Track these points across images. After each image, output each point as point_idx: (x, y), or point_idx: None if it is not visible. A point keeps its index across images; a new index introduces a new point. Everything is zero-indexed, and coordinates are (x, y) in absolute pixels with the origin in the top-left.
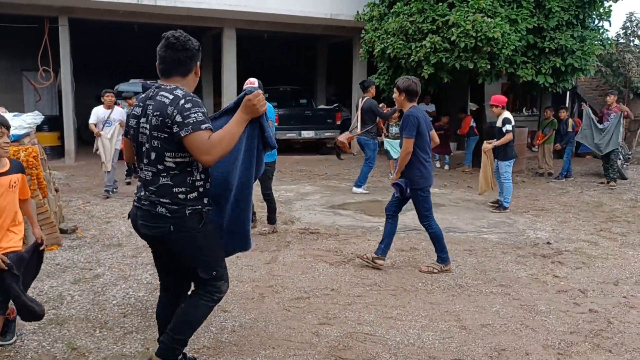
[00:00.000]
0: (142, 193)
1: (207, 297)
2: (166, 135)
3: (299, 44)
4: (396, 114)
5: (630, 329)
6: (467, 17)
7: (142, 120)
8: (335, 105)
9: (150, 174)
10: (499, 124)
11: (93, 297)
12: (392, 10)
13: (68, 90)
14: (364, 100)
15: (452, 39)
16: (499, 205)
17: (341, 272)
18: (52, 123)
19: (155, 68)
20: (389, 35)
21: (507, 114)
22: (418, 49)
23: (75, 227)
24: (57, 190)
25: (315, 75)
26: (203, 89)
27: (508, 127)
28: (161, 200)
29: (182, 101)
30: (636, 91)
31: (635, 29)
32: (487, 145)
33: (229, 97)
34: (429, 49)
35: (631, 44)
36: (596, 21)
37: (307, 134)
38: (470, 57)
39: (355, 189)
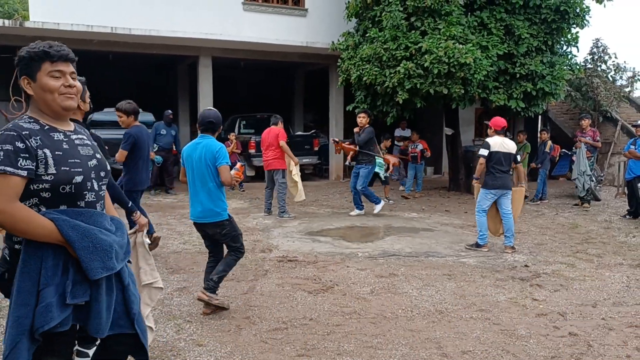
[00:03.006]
0: None
1: None
2: None
3: (276, 71)
4: (387, 143)
5: (610, 351)
6: (439, 44)
7: None
8: (313, 131)
9: None
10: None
11: None
12: (366, 36)
13: None
14: None
15: (426, 65)
16: (473, 244)
17: (320, 300)
18: None
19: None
20: (364, 62)
21: (490, 139)
22: (392, 75)
23: None
24: None
25: (292, 102)
26: (179, 118)
27: (482, 151)
28: (6, 243)
29: None
30: (605, 114)
31: (602, 54)
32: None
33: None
34: (402, 75)
35: (598, 68)
36: (564, 47)
37: None
38: (444, 82)
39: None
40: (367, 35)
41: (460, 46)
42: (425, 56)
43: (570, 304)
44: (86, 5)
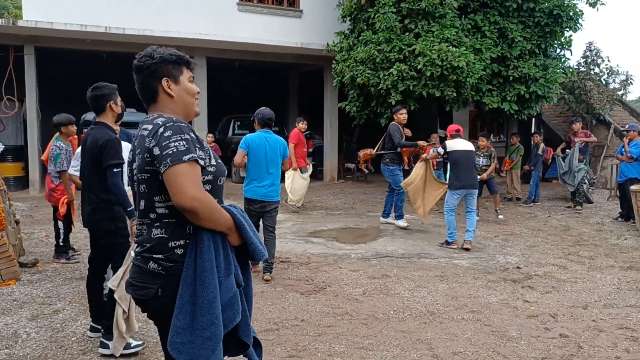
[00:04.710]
0: (137, 249)
1: None
2: (149, 175)
3: (271, 72)
4: (484, 142)
5: (600, 353)
6: (432, 47)
7: (134, 164)
8: (307, 132)
9: (144, 227)
10: None
11: (51, 334)
12: (360, 38)
13: (33, 120)
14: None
15: (419, 67)
16: (443, 242)
17: (312, 301)
18: (17, 153)
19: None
20: (358, 64)
21: (449, 141)
22: (386, 77)
23: (36, 260)
24: (17, 222)
25: (287, 103)
26: None
27: (438, 149)
28: (154, 256)
29: (162, 129)
30: (598, 117)
31: (595, 57)
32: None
33: (198, 126)
34: (396, 77)
35: (591, 72)
36: (558, 50)
37: None
38: (437, 85)
39: (381, 219)
40: (362, 37)
41: (454, 49)
42: (419, 58)
43: (561, 306)
44: (80, 4)
